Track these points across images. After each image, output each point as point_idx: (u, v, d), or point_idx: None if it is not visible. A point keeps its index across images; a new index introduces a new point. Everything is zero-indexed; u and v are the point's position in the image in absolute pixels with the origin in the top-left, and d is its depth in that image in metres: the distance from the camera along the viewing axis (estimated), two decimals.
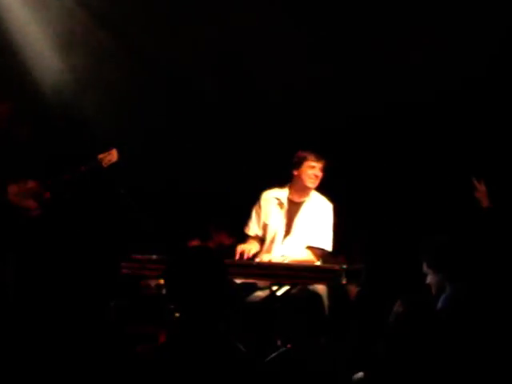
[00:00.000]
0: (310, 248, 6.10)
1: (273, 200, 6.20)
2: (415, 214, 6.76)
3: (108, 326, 5.93)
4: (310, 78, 6.96)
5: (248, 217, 6.27)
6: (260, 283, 5.86)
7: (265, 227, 6.20)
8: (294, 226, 6.14)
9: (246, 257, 6.02)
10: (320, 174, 6.04)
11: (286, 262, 5.93)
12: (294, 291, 5.76)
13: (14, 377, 5.33)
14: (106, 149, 6.29)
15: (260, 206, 6.22)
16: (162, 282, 5.82)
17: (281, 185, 6.23)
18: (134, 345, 5.76)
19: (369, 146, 6.95)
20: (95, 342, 5.89)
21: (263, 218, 6.20)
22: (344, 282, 5.60)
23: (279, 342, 5.69)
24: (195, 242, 6.12)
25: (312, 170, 6.02)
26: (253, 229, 6.22)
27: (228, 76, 7.10)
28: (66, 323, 6.17)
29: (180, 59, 7.08)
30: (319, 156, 6.04)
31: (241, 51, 7.00)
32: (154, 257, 5.86)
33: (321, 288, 5.72)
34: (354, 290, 5.94)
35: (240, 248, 6.06)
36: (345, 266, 5.58)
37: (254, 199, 6.28)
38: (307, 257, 6.07)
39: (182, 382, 5.34)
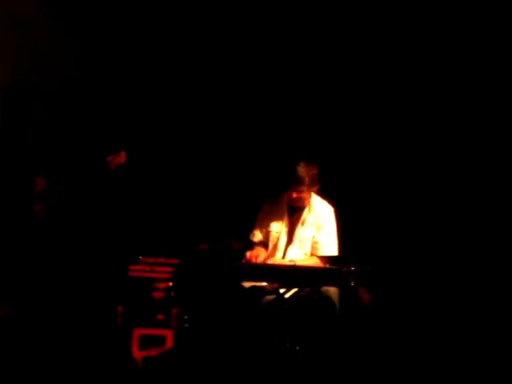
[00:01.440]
0: (316, 256, 6.09)
1: (274, 208, 6.22)
2: (418, 214, 6.75)
3: (115, 328, 5.94)
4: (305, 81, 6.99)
5: (253, 224, 6.28)
6: (268, 286, 5.86)
7: (268, 234, 6.21)
8: (295, 235, 6.14)
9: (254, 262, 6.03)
10: (304, 196, 6.04)
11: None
12: (303, 293, 5.77)
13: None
14: (115, 150, 6.29)
15: (262, 215, 6.25)
16: (170, 284, 5.83)
17: (282, 192, 6.22)
18: (142, 347, 5.79)
19: (373, 144, 6.94)
20: (102, 344, 5.90)
21: (265, 226, 6.22)
22: (353, 283, 5.57)
23: (287, 344, 5.71)
24: (204, 246, 6.11)
25: (296, 195, 6.04)
26: (257, 236, 6.24)
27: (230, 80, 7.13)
28: (73, 325, 6.17)
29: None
30: (300, 186, 5.99)
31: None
32: (163, 259, 5.85)
33: (331, 290, 5.71)
34: (363, 292, 5.92)
35: (248, 254, 6.05)
36: (353, 268, 5.55)
37: (260, 204, 6.30)
38: (315, 262, 6.05)
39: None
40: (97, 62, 6.98)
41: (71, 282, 6.49)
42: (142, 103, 7.09)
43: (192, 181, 7.06)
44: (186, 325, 5.79)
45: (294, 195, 6.03)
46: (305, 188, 6.01)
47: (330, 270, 5.86)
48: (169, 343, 5.75)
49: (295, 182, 5.99)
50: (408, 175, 6.76)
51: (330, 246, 6.07)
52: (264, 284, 5.83)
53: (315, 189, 6.09)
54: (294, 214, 6.16)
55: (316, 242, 6.09)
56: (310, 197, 6.10)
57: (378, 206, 6.81)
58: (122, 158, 6.34)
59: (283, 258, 6.09)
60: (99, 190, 6.65)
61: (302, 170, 5.98)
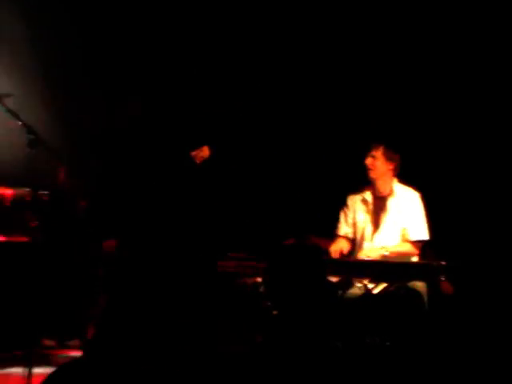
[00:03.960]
0: (408, 241, 6.04)
1: (358, 198, 6.23)
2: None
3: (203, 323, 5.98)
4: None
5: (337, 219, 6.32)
6: (357, 281, 5.83)
7: (354, 225, 6.22)
8: (382, 222, 6.12)
9: (341, 254, 6.06)
10: (373, 162, 6.05)
11: (386, 253, 5.91)
12: (391, 288, 5.72)
13: None
14: (198, 145, 6.32)
15: (347, 206, 6.26)
16: (258, 280, 5.84)
17: (366, 185, 6.24)
18: (230, 343, 5.81)
19: (464, 134, 6.84)
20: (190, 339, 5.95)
21: (351, 217, 6.23)
22: (443, 278, 5.51)
23: (377, 340, 5.67)
24: (291, 241, 6.11)
25: (367, 161, 6.05)
26: (342, 229, 6.26)
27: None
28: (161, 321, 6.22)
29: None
30: (378, 141, 6.08)
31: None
32: (251, 255, 5.87)
33: (420, 285, 5.67)
34: (448, 286, 5.84)
35: (333, 249, 6.07)
36: (443, 263, 5.47)
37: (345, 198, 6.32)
38: (408, 248, 6.02)
39: (278, 379, 5.38)
40: (177, 59, 7.05)
41: (161, 276, 6.57)
42: (223, 98, 7.12)
43: (278, 175, 7.06)
44: (275, 320, 5.78)
45: (368, 161, 6.05)
46: (378, 153, 6.01)
47: (420, 264, 5.82)
48: (257, 339, 5.76)
49: (369, 149, 6.05)
50: (503, 168, 6.63)
51: (420, 230, 6.03)
52: (352, 279, 5.82)
53: (391, 166, 6.06)
54: (378, 202, 6.15)
55: (405, 228, 6.05)
56: (389, 180, 6.09)
57: (468, 199, 6.69)
58: (205, 152, 6.37)
59: (372, 246, 6.08)
60: (185, 185, 6.71)
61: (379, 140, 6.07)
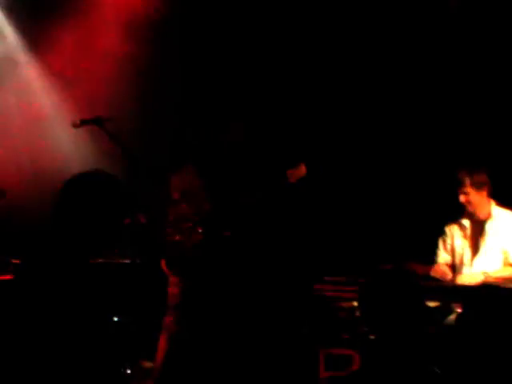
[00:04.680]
0: (511, 265, 5.96)
1: (455, 225, 6.19)
2: None
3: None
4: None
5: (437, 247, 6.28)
6: (455, 306, 5.72)
7: (452, 251, 6.18)
8: (481, 247, 6.06)
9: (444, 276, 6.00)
10: (467, 199, 5.97)
11: (488, 279, 5.82)
12: (492, 314, 5.59)
13: None
14: (294, 164, 6.31)
15: (445, 233, 6.23)
16: (355, 304, 5.79)
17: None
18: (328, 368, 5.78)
19: None
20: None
21: (449, 243, 6.20)
22: None
23: (477, 366, 5.53)
24: (388, 266, 6.05)
25: (460, 199, 5.97)
26: (441, 256, 6.22)
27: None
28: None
29: None
30: (461, 175, 5.94)
31: None
32: (348, 279, 5.83)
33: None
34: None
35: (433, 272, 6.00)
36: None
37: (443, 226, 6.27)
38: (511, 272, 5.93)
39: None
40: (271, 75, 7.08)
41: (254, 298, 6.57)
42: (319, 115, 7.12)
43: (378, 200, 7.01)
44: (372, 344, 5.72)
45: (461, 199, 5.95)
46: (468, 189, 5.88)
47: None
48: (355, 364, 5.70)
49: (458, 186, 5.93)
50: None
51: None
52: (451, 305, 5.72)
53: (483, 192, 5.95)
54: (476, 226, 6.08)
55: (506, 251, 5.97)
56: (486, 204, 6.00)
57: None
58: (302, 171, 6.34)
59: (471, 271, 6.00)
60: (282, 206, 6.70)
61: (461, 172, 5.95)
